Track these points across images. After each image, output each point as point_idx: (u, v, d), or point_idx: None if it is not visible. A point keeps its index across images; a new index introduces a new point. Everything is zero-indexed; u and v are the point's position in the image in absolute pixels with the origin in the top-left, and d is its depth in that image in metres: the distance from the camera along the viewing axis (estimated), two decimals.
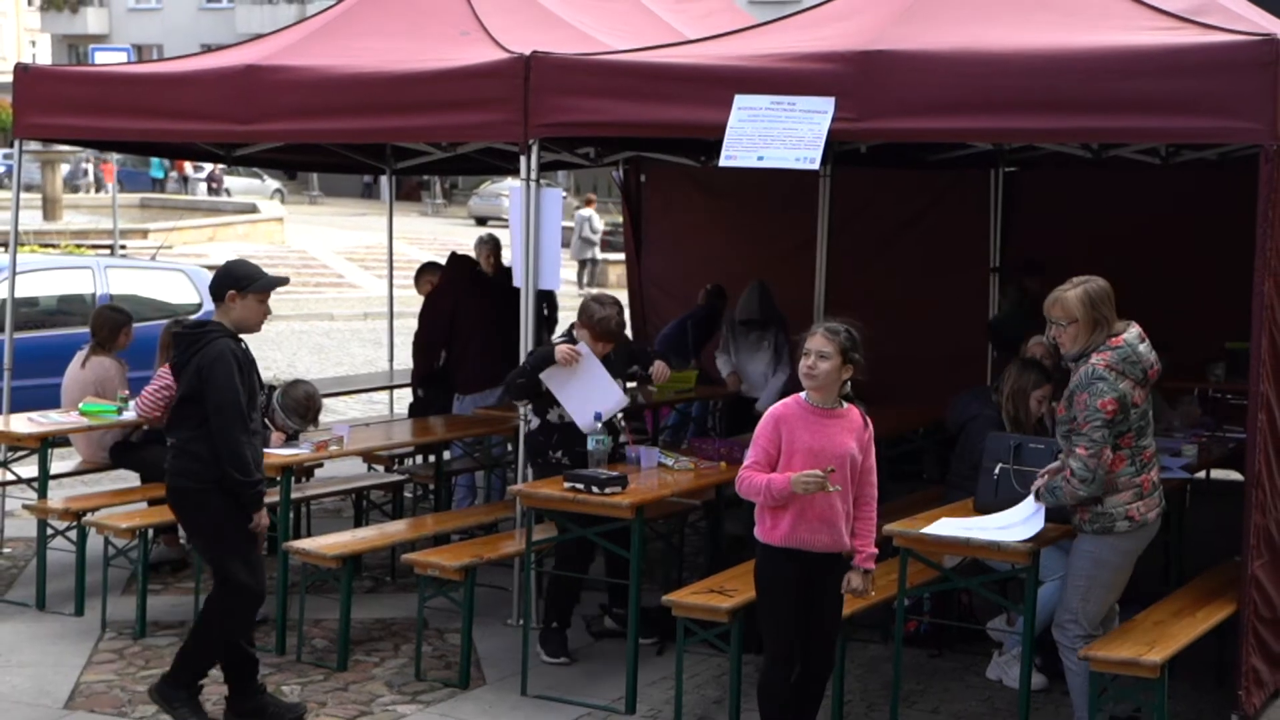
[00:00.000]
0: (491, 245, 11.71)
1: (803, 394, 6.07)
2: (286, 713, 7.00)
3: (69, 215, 35.29)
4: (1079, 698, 6.49)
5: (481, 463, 10.43)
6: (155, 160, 48.14)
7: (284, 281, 7.11)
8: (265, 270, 6.99)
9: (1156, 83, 6.76)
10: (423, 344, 11.01)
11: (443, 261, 11.39)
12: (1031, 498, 6.58)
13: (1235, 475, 7.96)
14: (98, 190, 49.52)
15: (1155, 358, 6.38)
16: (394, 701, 7.31)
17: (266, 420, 8.23)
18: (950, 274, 12.31)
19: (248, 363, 6.74)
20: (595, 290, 7.76)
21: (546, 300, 11.96)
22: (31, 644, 8.06)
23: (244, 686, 6.96)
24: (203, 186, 51.80)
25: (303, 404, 8.68)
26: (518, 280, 8.42)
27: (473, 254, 11.59)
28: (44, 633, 8.24)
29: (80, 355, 10.03)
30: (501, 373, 10.66)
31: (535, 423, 8.11)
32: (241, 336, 6.82)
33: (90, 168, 51.20)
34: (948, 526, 6.73)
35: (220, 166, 45.71)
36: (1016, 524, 6.55)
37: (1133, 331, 6.35)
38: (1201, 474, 9.75)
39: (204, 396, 6.63)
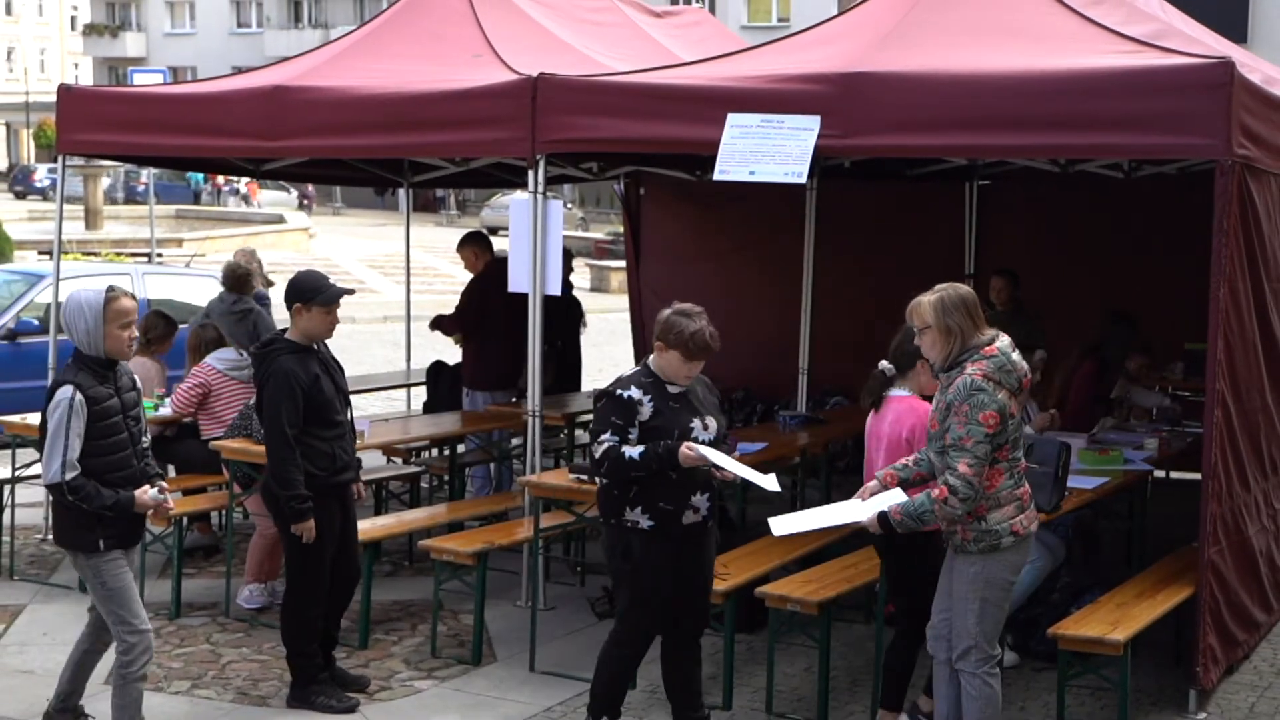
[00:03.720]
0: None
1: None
2: (353, 683, 7.06)
3: (109, 225, 35.25)
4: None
5: (493, 455, 10.41)
6: (199, 175, 48.22)
7: (348, 293, 7.03)
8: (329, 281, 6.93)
9: (1120, 102, 6.75)
10: (458, 316, 10.89)
11: (485, 232, 11.23)
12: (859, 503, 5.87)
13: (1193, 476, 7.91)
14: (243, 204, 49.79)
15: (1027, 367, 5.81)
16: (411, 677, 7.31)
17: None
18: (928, 279, 12.16)
19: (309, 377, 6.68)
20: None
21: (572, 303, 11.82)
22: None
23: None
24: (233, 200, 51.76)
25: None
26: (518, 285, 8.41)
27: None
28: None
29: None
30: (515, 376, 10.58)
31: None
32: (320, 343, 6.83)
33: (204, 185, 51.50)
34: (791, 523, 6.06)
35: (311, 185, 45.75)
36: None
37: (1005, 340, 5.76)
38: (1161, 471, 9.74)
39: None
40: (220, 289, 10.88)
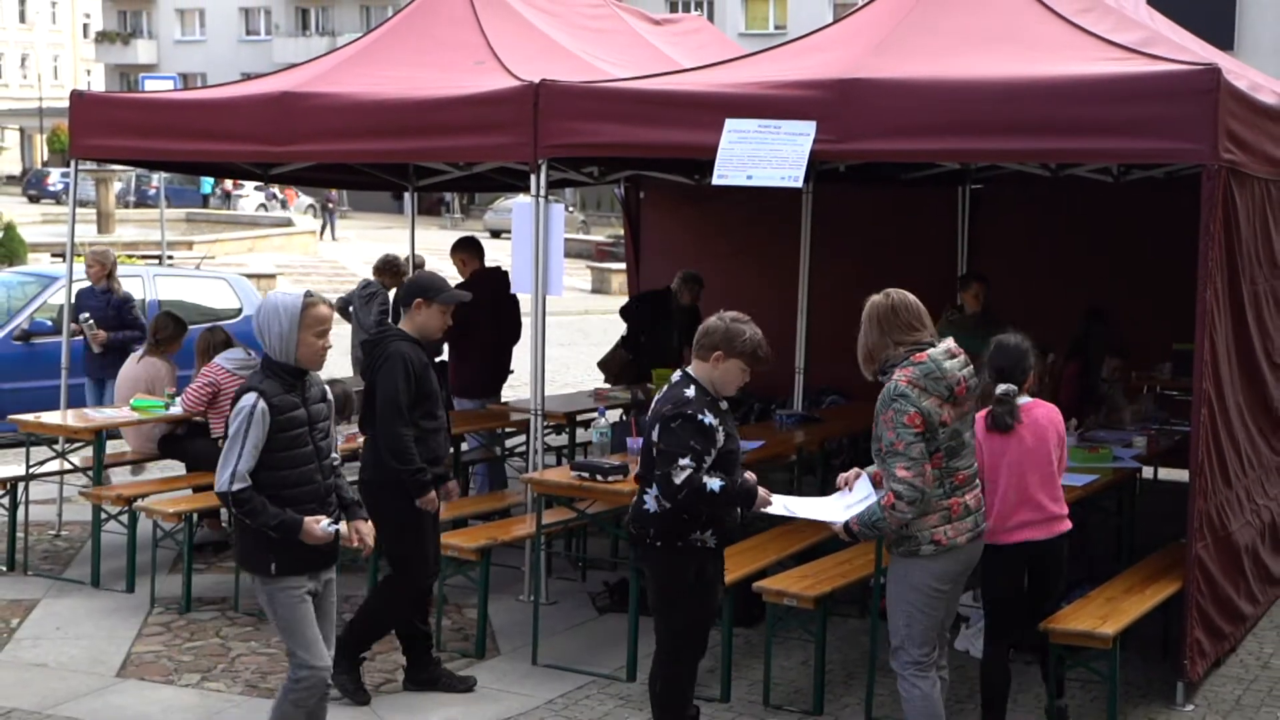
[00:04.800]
0: (696, 283, 11.57)
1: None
2: (459, 684, 7.00)
3: (120, 228, 35.23)
4: None
5: (495, 453, 10.41)
6: (206, 179, 48.12)
7: (466, 298, 7.10)
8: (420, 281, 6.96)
9: (1109, 108, 6.76)
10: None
11: (479, 238, 11.23)
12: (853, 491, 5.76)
13: (1178, 476, 7.92)
14: (280, 209, 49.77)
15: (966, 373, 5.58)
16: None
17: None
18: (921, 281, 12.18)
19: (420, 364, 6.67)
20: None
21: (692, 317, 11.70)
22: (87, 618, 8.06)
23: (419, 659, 7.00)
24: (245, 203, 51.72)
25: (339, 400, 8.67)
26: (521, 287, 8.41)
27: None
28: (98, 608, 8.24)
29: (135, 354, 10.05)
30: (498, 383, 10.57)
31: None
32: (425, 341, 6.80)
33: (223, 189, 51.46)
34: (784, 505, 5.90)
35: (334, 191, 45.59)
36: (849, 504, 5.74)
37: (940, 348, 5.57)
38: (1150, 468, 9.74)
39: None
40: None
